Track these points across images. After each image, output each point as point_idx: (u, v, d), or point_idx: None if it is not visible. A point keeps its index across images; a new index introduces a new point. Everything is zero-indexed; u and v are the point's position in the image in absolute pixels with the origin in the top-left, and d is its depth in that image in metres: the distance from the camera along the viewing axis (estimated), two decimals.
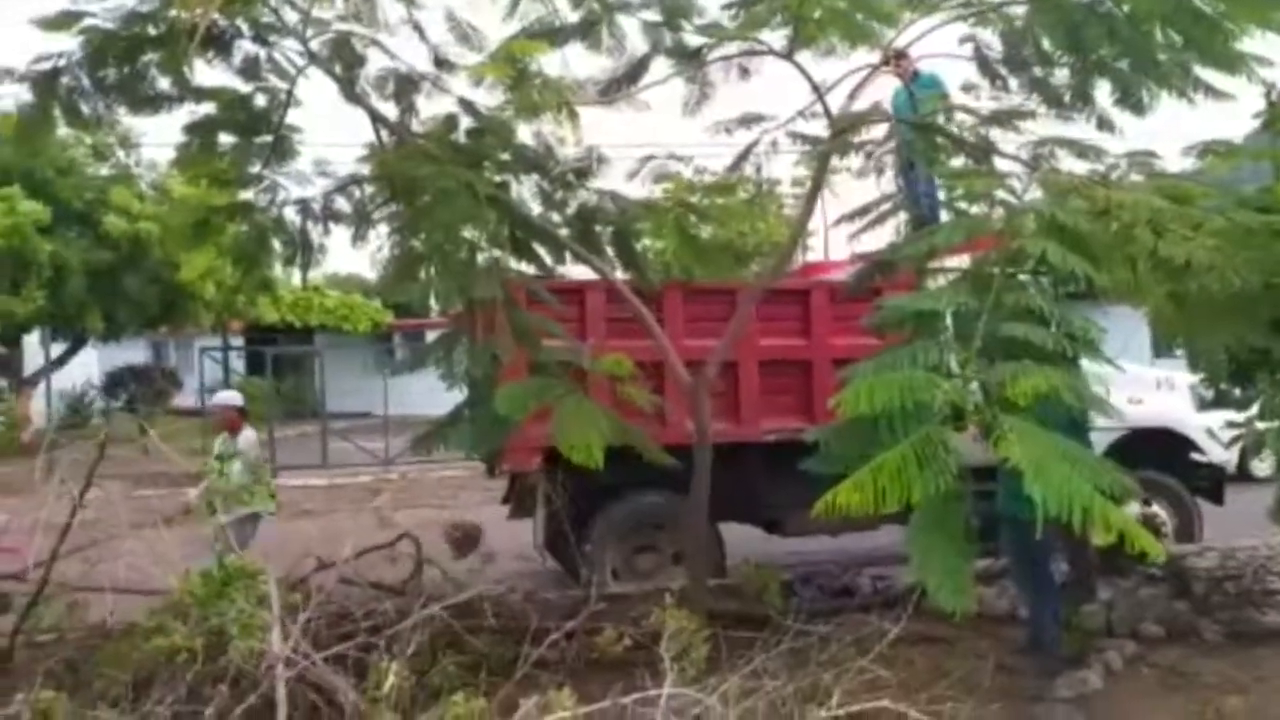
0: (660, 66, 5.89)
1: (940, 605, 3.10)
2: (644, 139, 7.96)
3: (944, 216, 6.85)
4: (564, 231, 6.28)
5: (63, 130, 7.83)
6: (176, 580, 4.31)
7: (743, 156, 6.55)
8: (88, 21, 5.39)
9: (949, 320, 3.98)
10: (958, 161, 5.90)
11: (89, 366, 25.56)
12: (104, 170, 19.35)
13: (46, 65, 5.55)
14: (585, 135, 5.84)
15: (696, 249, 6.18)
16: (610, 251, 6.55)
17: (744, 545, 8.10)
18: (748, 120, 6.24)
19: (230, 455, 7.28)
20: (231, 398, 7.62)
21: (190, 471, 9.60)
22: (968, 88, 6.18)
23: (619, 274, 6.55)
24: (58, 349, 21.77)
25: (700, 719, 3.11)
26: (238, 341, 26.68)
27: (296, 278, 25.01)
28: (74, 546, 5.63)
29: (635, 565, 7.76)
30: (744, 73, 6.06)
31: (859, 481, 3.01)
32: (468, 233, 5.91)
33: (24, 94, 5.73)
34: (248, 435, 7.37)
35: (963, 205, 5.00)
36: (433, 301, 31.46)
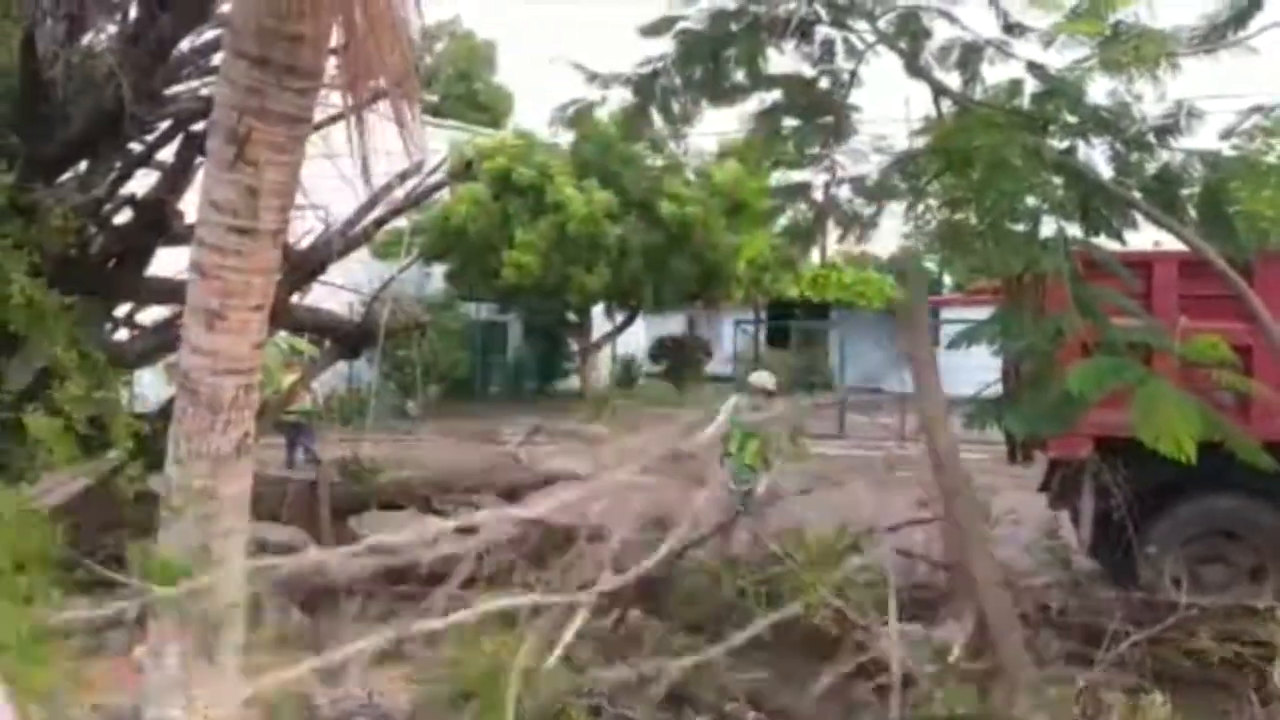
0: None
1: None
2: (1238, 89, 6.94)
3: None
4: (1139, 196, 5.69)
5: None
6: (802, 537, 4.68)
7: None
8: (681, 25, 6.04)
9: None
10: None
11: (638, 335, 29.14)
12: (658, 161, 21.72)
13: (647, 69, 6.33)
14: (1168, 89, 5.25)
15: None
16: (1194, 218, 5.80)
17: None
18: None
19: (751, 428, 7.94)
20: (765, 380, 8.24)
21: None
22: None
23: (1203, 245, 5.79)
24: (617, 319, 25.05)
25: None
26: (760, 315, 28.50)
27: (816, 255, 26.07)
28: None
29: (1200, 576, 6.87)
30: None
31: None
32: (1030, 201, 5.63)
33: (627, 95, 6.62)
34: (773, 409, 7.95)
35: None
36: (946, 278, 30.77)
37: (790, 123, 6.69)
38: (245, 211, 3.28)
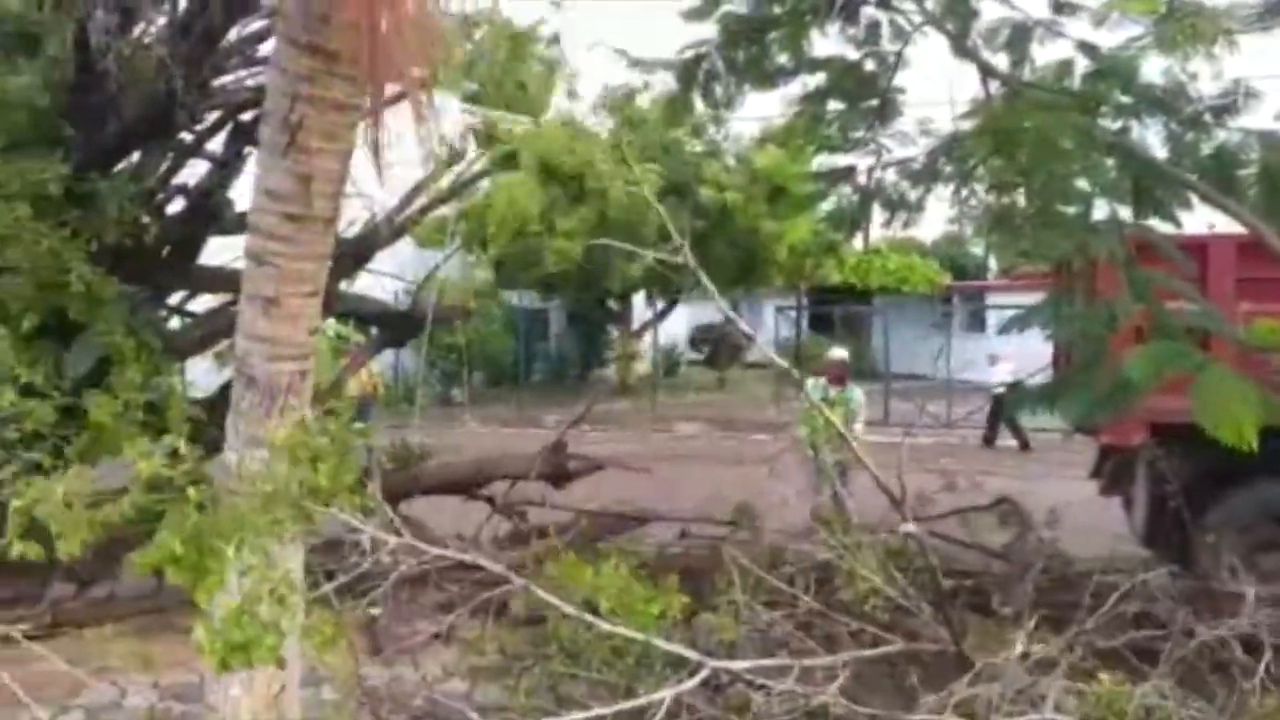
0: None
1: None
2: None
3: None
4: (1195, 178, 5.57)
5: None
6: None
7: None
8: (724, 8, 6.01)
9: None
10: None
11: (679, 322, 29.10)
12: (698, 146, 21.63)
13: (690, 53, 6.31)
14: (1224, 68, 5.13)
15: None
16: (1252, 199, 5.66)
17: None
18: None
19: (833, 403, 7.97)
20: (842, 354, 8.29)
21: (771, 420, 10.42)
22: None
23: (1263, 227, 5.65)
24: (657, 306, 25.04)
25: None
26: (802, 302, 28.28)
27: (859, 240, 25.80)
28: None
29: (1257, 564, 6.76)
30: None
31: None
32: (1081, 183, 5.54)
33: (669, 81, 6.61)
34: (856, 389, 7.96)
35: None
36: (992, 262, 30.27)
37: (835, 106, 6.64)
38: (298, 199, 3.32)
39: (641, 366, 25.06)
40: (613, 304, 24.57)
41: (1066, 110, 5.33)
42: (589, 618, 3.12)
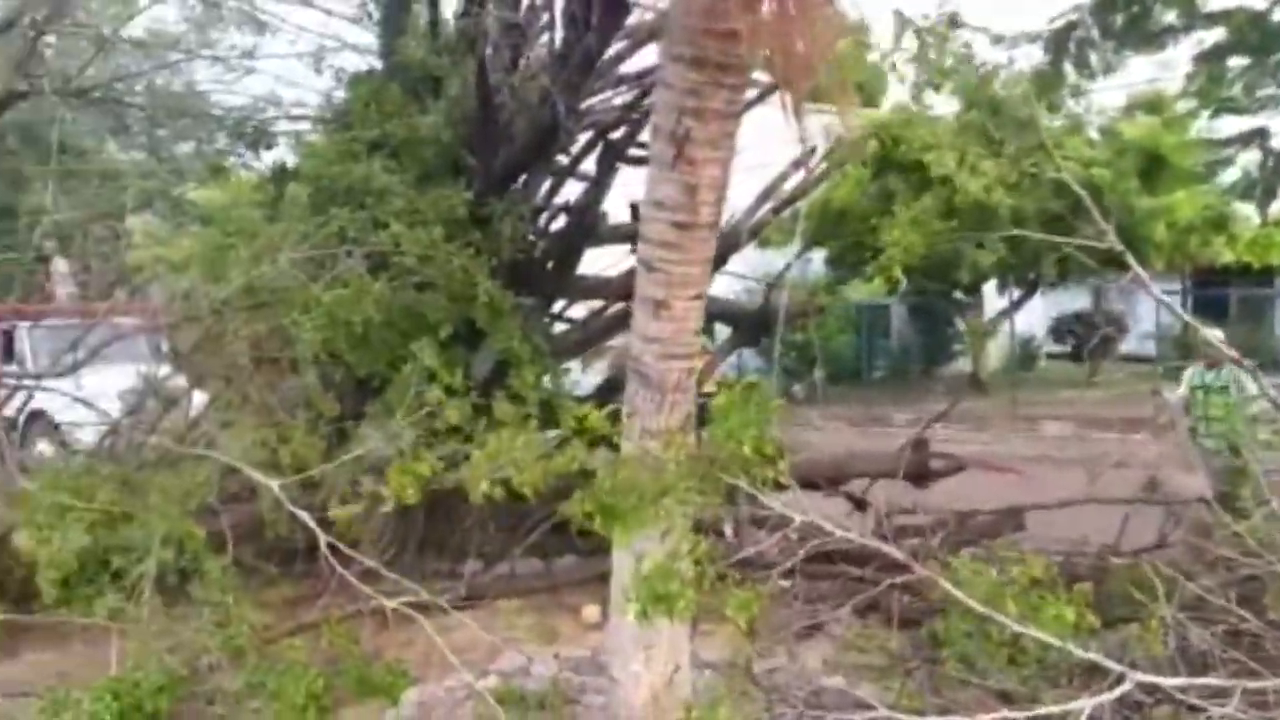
0: None
1: None
2: None
3: None
4: None
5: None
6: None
7: None
8: None
9: None
10: None
11: (1034, 312, 27.06)
12: (1056, 122, 20.00)
13: (1060, 22, 5.91)
14: None
15: None
16: None
17: None
18: None
19: (1214, 388, 7.20)
20: (1215, 334, 7.47)
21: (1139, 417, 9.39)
22: None
23: None
24: (1012, 295, 23.55)
25: None
26: (1176, 285, 25.13)
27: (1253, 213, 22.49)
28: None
29: None
30: None
31: None
32: None
33: (1036, 54, 6.22)
34: (1240, 372, 7.08)
35: None
36: None
37: (1236, 63, 5.92)
38: (685, 207, 3.52)
39: (992, 360, 23.70)
40: (960, 295, 23.40)
41: None
42: (1000, 618, 2.99)
